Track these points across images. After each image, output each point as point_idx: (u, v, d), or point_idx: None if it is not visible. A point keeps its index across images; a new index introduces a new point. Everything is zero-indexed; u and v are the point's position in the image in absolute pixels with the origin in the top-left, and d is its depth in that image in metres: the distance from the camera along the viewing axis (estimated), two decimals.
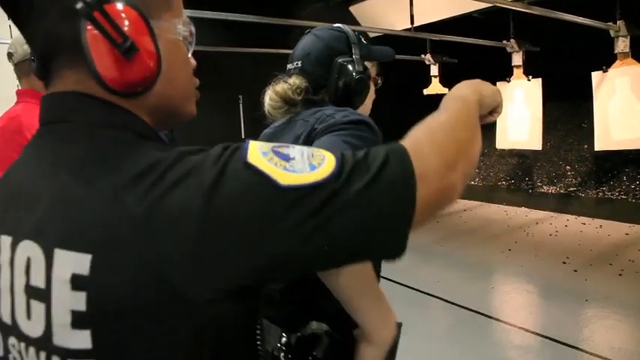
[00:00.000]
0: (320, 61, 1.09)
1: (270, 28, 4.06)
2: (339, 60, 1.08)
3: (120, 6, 0.51)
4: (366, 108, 1.14)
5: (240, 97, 6.06)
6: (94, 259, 0.45)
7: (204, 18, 3.01)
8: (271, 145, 0.51)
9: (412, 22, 4.69)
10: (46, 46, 0.53)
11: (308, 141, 0.97)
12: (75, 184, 0.49)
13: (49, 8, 0.51)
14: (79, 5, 0.48)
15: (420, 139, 0.56)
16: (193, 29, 0.62)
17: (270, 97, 1.09)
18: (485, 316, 3.36)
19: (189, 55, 0.63)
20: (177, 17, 0.59)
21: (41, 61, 0.56)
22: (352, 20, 6.45)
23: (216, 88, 4.33)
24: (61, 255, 0.47)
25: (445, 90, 6.05)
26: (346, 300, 0.83)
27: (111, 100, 0.54)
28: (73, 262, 0.46)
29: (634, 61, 3.94)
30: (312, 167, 0.48)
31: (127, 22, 0.51)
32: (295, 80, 1.09)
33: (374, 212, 0.48)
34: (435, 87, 6.13)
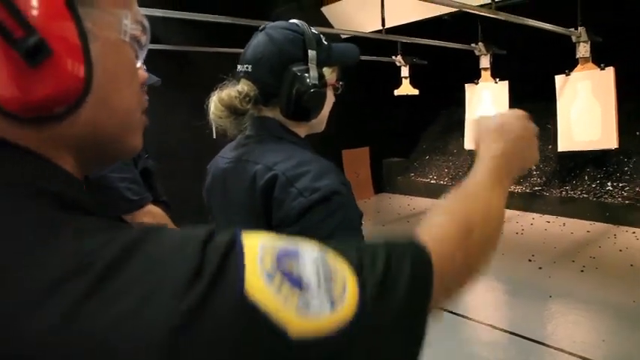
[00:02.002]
0: (272, 69, 0.97)
1: (243, 27, 4.04)
2: (294, 69, 0.96)
3: None
4: (322, 117, 1.06)
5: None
6: None
7: (172, 18, 2.97)
8: (276, 252, 0.36)
9: (383, 24, 4.74)
10: None
11: (266, 204, 0.90)
12: None
13: None
14: None
15: (452, 243, 0.51)
16: (147, 25, 0.44)
17: (214, 105, 0.98)
18: (453, 313, 3.43)
19: (139, 65, 0.44)
20: (123, 7, 0.41)
21: None
22: (324, 21, 6.47)
23: (186, 88, 4.25)
24: None
25: (415, 91, 6.15)
26: None
27: (5, 135, 0.35)
28: None
29: (594, 65, 4.09)
30: (332, 304, 0.35)
31: (34, 3, 0.32)
32: (244, 87, 0.98)
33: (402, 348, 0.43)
34: (405, 88, 6.21)
